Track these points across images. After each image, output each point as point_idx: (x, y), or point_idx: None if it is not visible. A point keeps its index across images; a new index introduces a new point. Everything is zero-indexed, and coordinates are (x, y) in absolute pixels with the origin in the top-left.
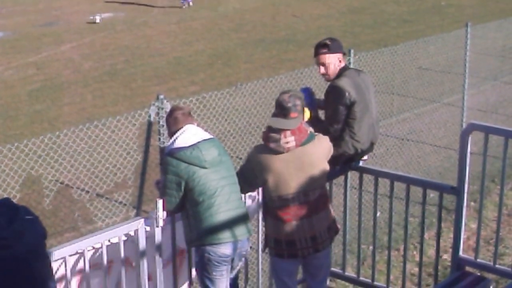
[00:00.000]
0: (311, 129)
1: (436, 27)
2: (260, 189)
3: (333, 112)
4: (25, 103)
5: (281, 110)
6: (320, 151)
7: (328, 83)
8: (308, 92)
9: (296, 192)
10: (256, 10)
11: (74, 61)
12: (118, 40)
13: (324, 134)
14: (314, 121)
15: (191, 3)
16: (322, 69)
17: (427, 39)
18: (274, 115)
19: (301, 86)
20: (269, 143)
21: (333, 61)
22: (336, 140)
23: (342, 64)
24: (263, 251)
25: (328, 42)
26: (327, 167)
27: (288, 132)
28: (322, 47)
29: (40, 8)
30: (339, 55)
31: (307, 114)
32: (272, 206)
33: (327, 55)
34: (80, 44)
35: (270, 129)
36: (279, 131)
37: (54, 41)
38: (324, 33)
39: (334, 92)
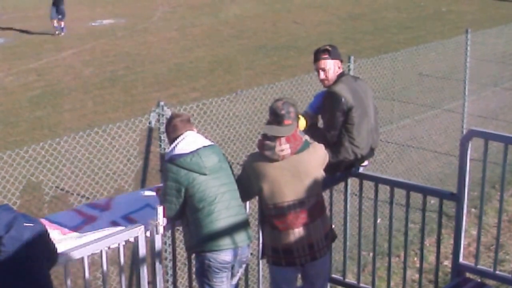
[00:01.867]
0: (306, 137)
1: (437, 33)
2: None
3: (330, 118)
4: (26, 110)
5: (275, 118)
6: (315, 159)
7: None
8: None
9: (291, 200)
10: (257, 17)
11: (74, 67)
12: (119, 46)
13: (321, 140)
14: (312, 128)
15: (62, 34)
16: (322, 75)
17: (427, 45)
18: (269, 122)
19: (321, 91)
20: (264, 151)
21: (333, 67)
22: (335, 146)
23: (340, 71)
24: (261, 259)
25: (328, 48)
26: (322, 174)
27: (283, 140)
28: (323, 53)
29: (41, 14)
30: (338, 62)
31: (303, 122)
32: (268, 215)
33: (328, 61)
34: (81, 51)
35: (265, 137)
36: (274, 138)
37: (55, 48)
38: (324, 39)
39: (331, 98)
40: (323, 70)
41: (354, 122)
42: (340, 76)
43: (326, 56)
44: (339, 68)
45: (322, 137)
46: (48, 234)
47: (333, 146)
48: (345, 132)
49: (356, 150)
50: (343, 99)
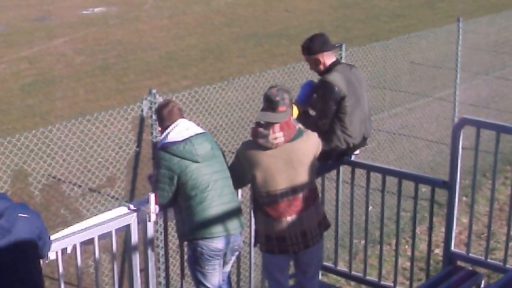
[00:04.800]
0: (299, 125)
1: (428, 21)
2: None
3: (322, 107)
4: (18, 98)
5: (270, 104)
6: (308, 147)
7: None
8: (311, 86)
9: (284, 188)
10: (248, 5)
11: (66, 55)
12: (111, 34)
13: (313, 128)
14: (303, 116)
15: None
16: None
17: (419, 33)
18: (263, 109)
19: (306, 80)
20: (257, 139)
21: (312, 62)
22: (328, 135)
23: (328, 61)
24: (254, 246)
25: (306, 44)
26: (315, 163)
27: (277, 128)
28: (302, 49)
29: (32, 2)
30: (319, 56)
31: (295, 111)
32: (261, 202)
33: (305, 57)
34: (73, 39)
35: (258, 125)
36: (267, 126)
37: (47, 36)
38: (316, 27)
39: (324, 87)
40: (308, 63)
41: (347, 112)
42: (335, 65)
43: (305, 53)
44: (322, 61)
45: (314, 125)
46: (44, 227)
47: (325, 134)
48: (338, 121)
49: (348, 139)
50: (336, 88)
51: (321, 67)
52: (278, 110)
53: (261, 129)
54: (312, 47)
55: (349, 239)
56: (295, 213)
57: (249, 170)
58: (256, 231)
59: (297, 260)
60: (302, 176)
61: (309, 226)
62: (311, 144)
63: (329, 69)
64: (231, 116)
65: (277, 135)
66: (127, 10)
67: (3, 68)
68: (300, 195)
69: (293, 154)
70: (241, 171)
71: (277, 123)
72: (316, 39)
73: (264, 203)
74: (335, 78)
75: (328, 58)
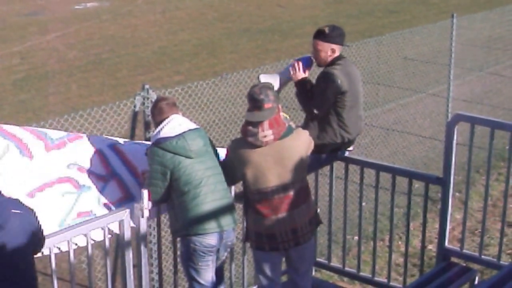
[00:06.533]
0: (290, 123)
1: (422, 17)
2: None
3: (320, 97)
4: (10, 93)
5: (255, 103)
6: (299, 145)
7: (320, 69)
8: (307, 61)
9: (275, 186)
10: (241, 0)
11: (59, 50)
12: (103, 29)
13: (307, 109)
14: (300, 85)
15: None
16: (312, 53)
17: (412, 29)
18: (249, 109)
19: (305, 55)
20: (247, 137)
21: (325, 50)
22: (324, 128)
23: (336, 54)
24: (244, 243)
25: (326, 30)
26: (306, 160)
27: (266, 126)
28: (318, 33)
29: None
30: (333, 46)
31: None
32: (251, 200)
33: (320, 42)
34: (65, 34)
35: (248, 123)
36: (256, 125)
37: (39, 31)
38: (309, 23)
39: (326, 79)
40: (315, 49)
41: (346, 106)
42: (338, 59)
43: (320, 37)
44: (334, 52)
45: (309, 109)
46: (38, 222)
47: (321, 127)
48: (336, 115)
49: (344, 134)
50: (339, 81)
51: (329, 58)
52: (264, 108)
53: (250, 128)
54: (333, 34)
55: (343, 235)
56: (286, 211)
57: (239, 167)
58: (246, 227)
59: (289, 257)
60: (292, 174)
61: (300, 223)
62: (301, 141)
63: (333, 62)
64: (224, 112)
65: (266, 133)
66: (120, 5)
67: None
68: (291, 193)
69: (283, 152)
70: (232, 168)
71: (264, 120)
72: (337, 29)
73: (254, 200)
74: (339, 72)
75: (338, 52)
